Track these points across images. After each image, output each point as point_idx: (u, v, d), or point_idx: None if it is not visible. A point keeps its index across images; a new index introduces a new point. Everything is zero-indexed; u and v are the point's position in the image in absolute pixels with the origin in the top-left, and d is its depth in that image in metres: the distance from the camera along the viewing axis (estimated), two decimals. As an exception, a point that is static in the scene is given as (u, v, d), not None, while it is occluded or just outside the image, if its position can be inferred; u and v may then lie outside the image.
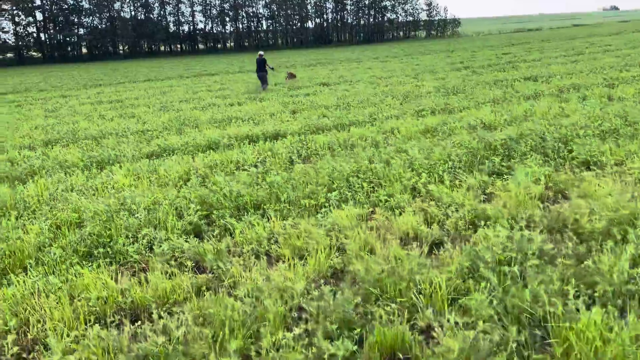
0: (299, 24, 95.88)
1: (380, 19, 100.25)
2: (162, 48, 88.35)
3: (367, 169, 6.73)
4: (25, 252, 4.78)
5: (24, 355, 3.41)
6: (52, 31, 77.46)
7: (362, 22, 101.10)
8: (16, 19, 74.60)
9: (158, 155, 9.61)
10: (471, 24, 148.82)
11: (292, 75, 26.19)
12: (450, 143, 7.91)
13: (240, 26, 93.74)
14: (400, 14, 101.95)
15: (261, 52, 22.04)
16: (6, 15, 73.80)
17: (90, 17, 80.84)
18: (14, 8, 73.87)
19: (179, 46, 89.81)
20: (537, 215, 4.70)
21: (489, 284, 3.31)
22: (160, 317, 3.47)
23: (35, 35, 76.62)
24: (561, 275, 3.58)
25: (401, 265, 3.82)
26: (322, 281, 3.96)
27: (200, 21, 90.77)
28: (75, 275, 4.21)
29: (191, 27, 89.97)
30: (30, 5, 74.82)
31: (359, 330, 3.20)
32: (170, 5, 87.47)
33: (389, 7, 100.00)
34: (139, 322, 3.58)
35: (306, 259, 4.36)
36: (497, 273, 3.56)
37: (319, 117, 12.83)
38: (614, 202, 4.66)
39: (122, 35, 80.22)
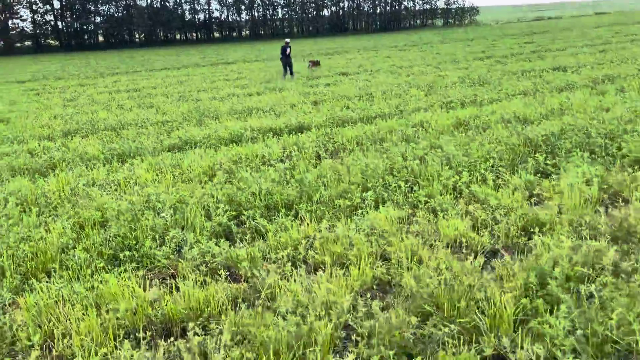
0: (314, 12, 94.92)
1: (397, 7, 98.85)
2: (178, 36, 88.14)
3: (402, 167, 6.36)
4: (49, 254, 4.53)
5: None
6: (69, 19, 77.66)
7: (378, 10, 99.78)
8: (34, 7, 74.88)
9: (180, 148, 9.33)
10: (489, 12, 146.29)
11: (315, 63, 25.84)
12: (487, 138, 7.50)
13: (256, 14, 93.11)
14: (417, 2, 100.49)
15: (287, 40, 22.00)
16: (24, 3, 74.09)
17: (107, 5, 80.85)
18: (32, -4, 74.14)
19: (194, 34, 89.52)
20: (598, 222, 4.31)
21: (562, 306, 2.95)
22: (195, 333, 3.18)
23: (52, 23, 76.91)
24: None
25: (457, 278, 3.48)
26: (368, 295, 3.63)
27: (216, 9, 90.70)
28: (102, 282, 3.94)
29: (207, 16, 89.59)
30: (47, -8, 75.08)
31: (419, 359, 2.86)
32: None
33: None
34: (172, 339, 3.30)
35: (348, 267, 4.03)
36: (569, 292, 3.20)
37: (342, 108, 12.46)
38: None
39: (138, 24, 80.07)
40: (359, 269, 3.90)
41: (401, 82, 17.19)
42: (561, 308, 2.93)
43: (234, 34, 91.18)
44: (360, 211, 5.17)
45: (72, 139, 10.84)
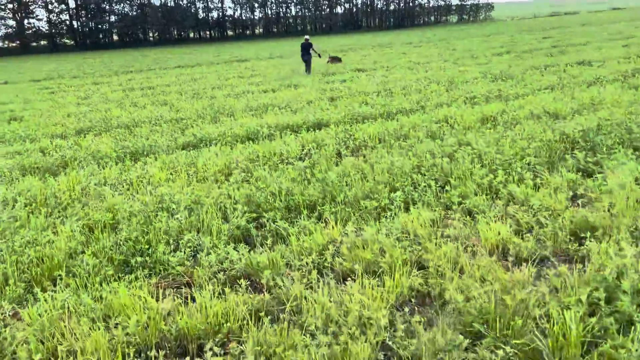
0: (327, 10, 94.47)
1: (410, 3, 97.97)
2: (191, 35, 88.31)
3: (431, 165, 5.95)
4: (55, 260, 4.21)
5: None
6: (84, 19, 78.17)
7: (392, 7, 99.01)
8: (49, 6, 75.51)
9: (194, 145, 9.01)
10: (504, 8, 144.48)
11: (335, 59, 25.39)
12: (519, 134, 7.06)
13: (269, 12, 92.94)
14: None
15: (307, 37, 22.00)
16: (40, 3, 74.69)
17: (121, 5, 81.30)
18: (47, -5, 74.75)
19: (207, 33, 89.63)
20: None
21: (638, 325, 2.54)
22: (214, 354, 2.83)
23: (68, 22, 77.47)
24: None
25: (507, 291, 3.08)
26: (405, 309, 3.25)
27: (229, 7, 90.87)
28: (111, 291, 3.61)
29: (220, 14, 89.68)
30: (62, -8, 75.64)
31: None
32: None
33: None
34: (188, 359, 2.95)
35: (381, 277, 3.65)
36: (642, 309, 2.79)
37: (361, 104, 12.05)
38: None
39: (152, 22, 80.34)
40: (393, 278, 3.52)
41: (420, 77, 16.72)
42: (637, 328, 2.52)
43: (247, 32, 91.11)
44: (388, 213, 4.78)
45: (84, 137, 10.58)
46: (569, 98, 10.03)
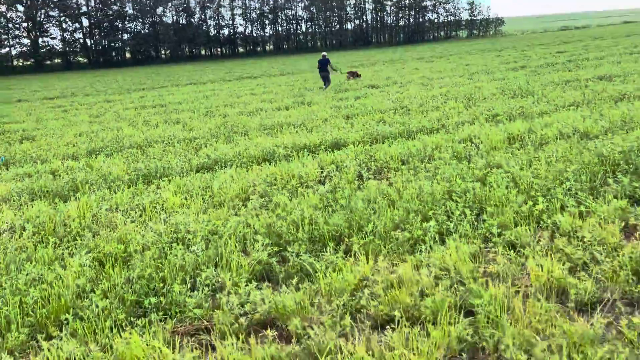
0: (337, 26, 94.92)
1: (420, 19, 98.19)
2: (203, 52, 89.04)
3: (463, 190, 5.56)
4: (62, 300, 3.86)
5: None
6: (97, 37, 79.14)
7: (401, 22, 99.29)
8: (63, 25, 76.55)
9: (209, 167, 8.70)
10: (514, 23, 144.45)
11: (354, 74, 25.05)
12: (552, 155, 6.65)
13: (280, 29, 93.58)
14: (441, 14, 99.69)
15: (324, 53, 22.33)
16: (54, 22, 75.83)
17: (134, 23, 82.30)
18: (61, 14, 75.80)
19: (219, 50, 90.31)
20: None
21: None
22: None
23: (81, 41, 78.47)
24: None
25: (579, 349, 2.67)
26: (457, 366, 2.85)
27: (240, 24, 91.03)
28: (123, 340, 3.25)
29: (231, 31, 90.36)
30: (76, 11, 76.65)
31: None
32: (211, 10, 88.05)
33: (430, 7, 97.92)
34: None
35: (424, 324, 3.26)
36: None
37: (378, 122, 11.73)
38: None
39: (164, 40, 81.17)
40: (439, 327, 3.12)
41: (435, 94, 16.38)
42: None
43: (258, 48, 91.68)
44: (423, 246, 4.39)
45: (96, 158, 10.34)
46: (597, 115, 9.61)
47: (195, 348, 3.27)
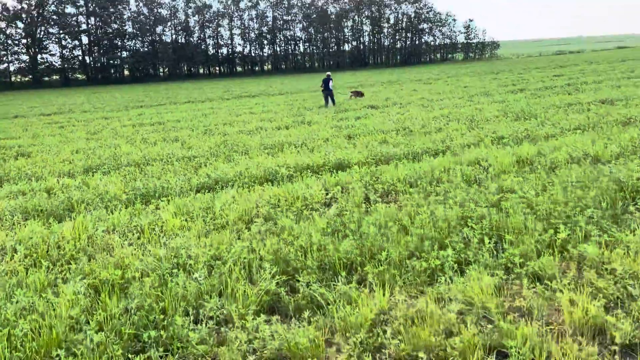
0: (335, 47, 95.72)
1: (417, 41, 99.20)
2: (201, 70, 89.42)
3: (479, 216, 5.32)
4: (54, 333, 3.56)
5: None
6: (96, 54, 79.37)
7: (398, 44, 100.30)
8: (63, 42, 76.77)
9: (209, 187, 8.43)
10: (509, 46, 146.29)
11: (358, 93, 25.85)
12: (567, 181, 6.43)
13: (278, 49, 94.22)
14: (437, 37, 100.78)
15: (329, 73, 23.20)
16: (53, 39, 76.06)
17: (133, 41, 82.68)
18: (61, 32, 76.08)
19: (217, 68, 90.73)
20: None
21: None
22: None
23: (80, 58, 78.64)
24: None
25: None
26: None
27: (239, 44, 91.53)
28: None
29: (230, 50, 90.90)
30: (76, 29, 76.98)
31: None
32: (210, 29, 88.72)
33: (427, 30, 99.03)
34: None
35: (452, 368, 2.98)
36: None
37: (381, 143, 11.54)
38: None
39: (163, 58, 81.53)
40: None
41: (437, 115, 16.25)
42: None
43: (256, 68, 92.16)
44: (442, 278, 4.11)
45: (93, 176, 10.06)
46: (605, 139, 9.45)
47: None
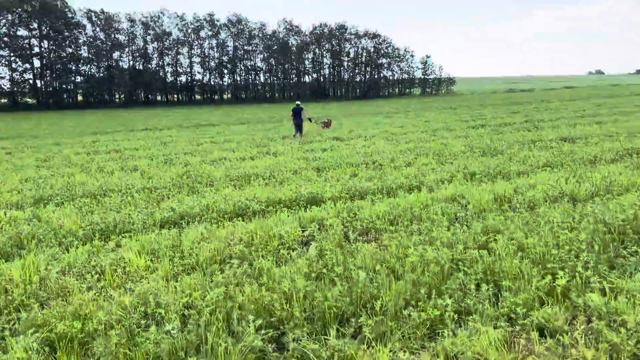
0: (296, 78, 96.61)
1: (376, 75, 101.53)
2: (159, 97, 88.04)
3: (472, 259, 5.05)
4: (-1, 406, 2.98)
5: None
6: (48, 78, 76.77)
7: (357, 78, 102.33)
8: (13, 65, 73.96)
9: (175, 222, 7.87)
10: (464, 83, 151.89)
11: (327, 124, 26.55)
12: (552, 221, 6.30)
13: (238, 78, 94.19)
14: (396, 72, 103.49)
15: (298, 102, 23.17)
16: (3, 62, 73.18)
17: (88, 66, 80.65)
18: (12, 54, 73.39)
19: (175, 96, 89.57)
20: None
21: None
22: None
23: (31, 81, 75.81)
24: None
25: None
26: None
27: (199, 72, 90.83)
28: None
29: (189, 78, 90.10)
30: (28, 52, 74.46)
31: None
32: (169, 56, 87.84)
33: (385, 65, 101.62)
34: None
35: None
36: None
37: (351, 177, 11.29)
38: None
39: (119, 84, 79.79)
40: None
41: (403, 149, 16.24)
42: None
43: (216, 96, 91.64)
44: (445, 331, 3.77)
45: (45, 207, 9.29)
46: (577, 177, 9.52)
47: None
